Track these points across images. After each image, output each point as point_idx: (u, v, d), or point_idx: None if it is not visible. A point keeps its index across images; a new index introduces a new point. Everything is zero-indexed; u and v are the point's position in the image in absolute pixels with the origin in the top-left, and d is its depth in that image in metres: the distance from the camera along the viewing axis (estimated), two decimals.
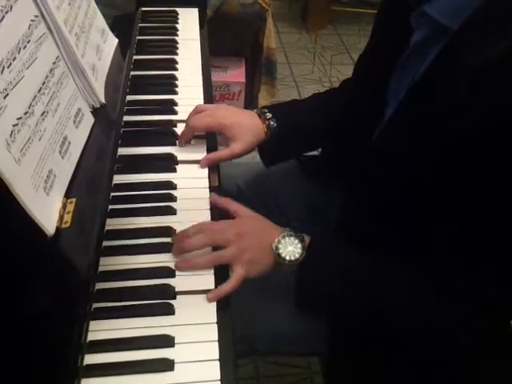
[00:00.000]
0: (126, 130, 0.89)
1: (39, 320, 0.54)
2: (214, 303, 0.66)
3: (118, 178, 0.81)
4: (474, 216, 0.63)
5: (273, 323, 0.82)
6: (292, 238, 0.72)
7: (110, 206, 0.76)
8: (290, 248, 0.71)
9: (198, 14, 1.24)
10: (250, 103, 2.10)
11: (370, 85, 0.81)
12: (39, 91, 0.64)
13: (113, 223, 0.74)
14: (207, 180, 0.83)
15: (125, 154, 0.85)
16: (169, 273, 0.69)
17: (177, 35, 1.16)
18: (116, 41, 0.97)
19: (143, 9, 1.22)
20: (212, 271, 0.70)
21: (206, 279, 0.69)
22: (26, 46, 0.62)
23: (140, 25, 1.17)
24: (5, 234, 0.54)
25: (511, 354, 0.75)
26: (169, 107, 0.96)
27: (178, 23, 1.20)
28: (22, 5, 0.63)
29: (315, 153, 1.02)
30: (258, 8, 1.86)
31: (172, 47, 1.12)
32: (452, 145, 0.61)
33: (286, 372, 1.40)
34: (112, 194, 0.78)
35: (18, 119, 0.58)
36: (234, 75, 1.99)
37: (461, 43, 0.62)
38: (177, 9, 1.24)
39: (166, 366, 0.59)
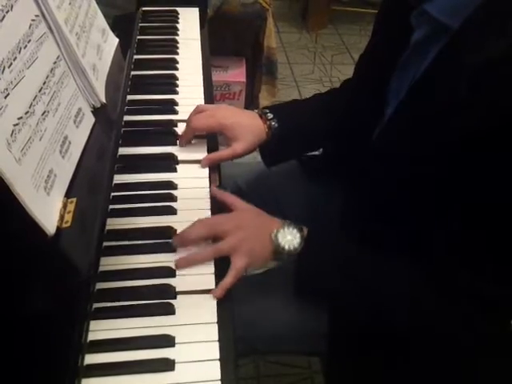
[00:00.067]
0: (126, 129, 0.89)
1: (40, 320, 0.54)
2: (215, 303, 0.66)
3: (119, 178, 0.80)
4: (474, 215, 0.63)
5: (273, 323, 0.81)
6: (291, 229, 0.71)
7: (111, 206, 0.76)
8: (289, 237, 0.71)
9: (198, 13, 1.24)
10: (250, 103, 2.10)
11: (371, 84, 0.81)
12: (40, 91, 0.64)
13: (113, 223, 0.73)
14: (208, 180, 0.83)
15: (125, 153, 0.85)
16: (169, 273, 0.69)
17: (177, 35, 1.16)
18: (116, 40, 0.97)
19: (144, 8, 1.22)
20: (212, 271, 0.69)
21: (206, 279, 0.68)
22: (26, 46, 0.62)
23: (140, 24, 1.17)
24: (5, 233, 0.54)
25: (511, 353, 0.75)
26: (169, 107, 0.96)
27: (178, 23, 1.20)
28: (22, 4, 0.63)
29: (316, 153, 1.03)
30: (259, 8, 1.86)
31: (172, 47, 1.12)
32: (452, 143, 0.61)
33: (286, 372, 1.40)
34: (112, 193, 0.77)
35: (18, 119, 0.58)
36: (235, 75, 1.99)
37: (461, 42, 0.62)
38: (177, 8, 1.24)
39: (167, 365, 0.59)
